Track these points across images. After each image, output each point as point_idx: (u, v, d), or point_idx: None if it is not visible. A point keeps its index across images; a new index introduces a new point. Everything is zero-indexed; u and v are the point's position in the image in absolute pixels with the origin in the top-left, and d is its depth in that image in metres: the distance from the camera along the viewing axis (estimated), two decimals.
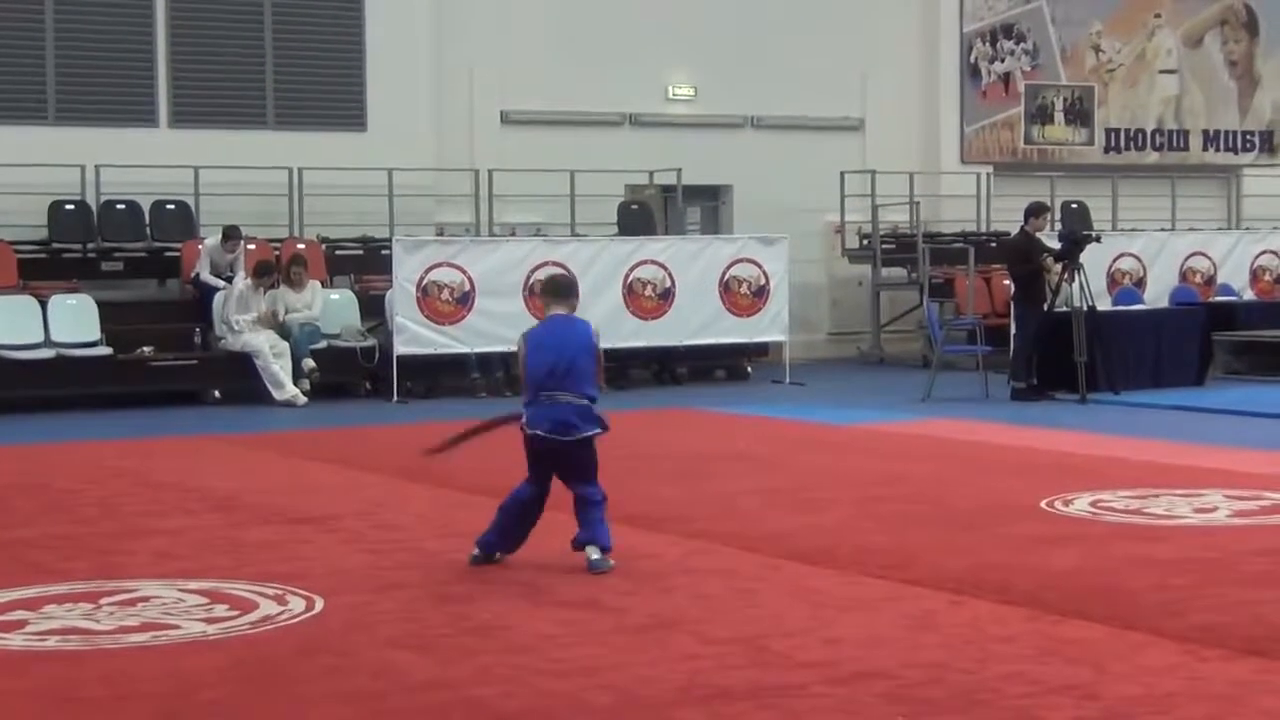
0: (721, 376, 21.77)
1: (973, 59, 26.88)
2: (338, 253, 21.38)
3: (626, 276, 20.05)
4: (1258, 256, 23.80)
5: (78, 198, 20.52)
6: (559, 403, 8.74)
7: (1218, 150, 28.87)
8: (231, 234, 19.70)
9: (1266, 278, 23.76)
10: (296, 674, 6.68)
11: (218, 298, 19.39)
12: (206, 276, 19.73)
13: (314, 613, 7.73)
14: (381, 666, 6.74)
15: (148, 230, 20.87)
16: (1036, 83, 27.34)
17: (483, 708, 6.14)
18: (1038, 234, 18.34)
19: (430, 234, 21.19)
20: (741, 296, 20.65)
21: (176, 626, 7.48)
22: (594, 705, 6.14)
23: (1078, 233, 18.83)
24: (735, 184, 25.17)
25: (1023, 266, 18.11)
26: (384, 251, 20.27)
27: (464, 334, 19.07)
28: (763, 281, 20.73)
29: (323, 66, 22.39)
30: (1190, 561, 8.75)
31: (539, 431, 8.75)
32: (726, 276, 20.59)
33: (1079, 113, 27.72)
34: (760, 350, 21.78)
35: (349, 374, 19.70)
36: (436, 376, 19.48)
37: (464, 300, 19.07)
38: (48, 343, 18.61)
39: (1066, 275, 17.77)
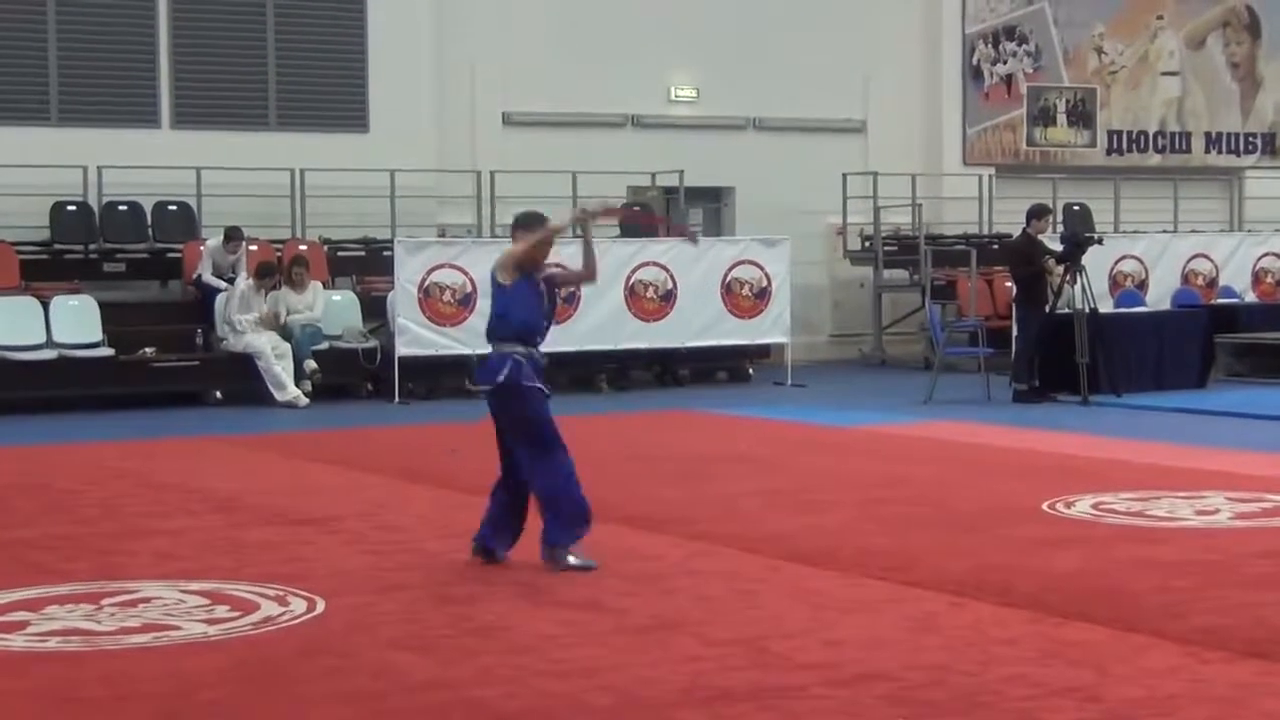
0: (723, 378, 21.76)
1: (975, 60, 26.87)
2: (339, 254, 21.37)
3: (628, 278, 20.05)
4: (1260, 259, 23.79)
5: (80, 199, 20.52)
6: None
7: (1220, 152, 28.85)
8: (233, 235, 19.70)
9: (1268, 280, 23.75)
10: (297, 675, 6.67)
11: (219, 299, 19.39)
12: (208, 278, 19.72)
13: (315, 614, 7.73)
14: (382, 667, 6.73)
15: (150, 231, 20.87)
16: (1039, 84, 27.33)
17: (483, 708, 6.14)
18: (1040, 236, 18.33)
19: (432, 235, 21.19)
20: (743, 298, 20.65)
21: (178, 627, 7.48)
22: (595, 706, 6.14)
23: (1080, 235, 18.82)
24: (737, 185, 25.15)
25: (1025, 268, 18.10)
26: (386, 253, 20.27)
27: (465, 335, 19.03)
28: (764, 283, 20.73)
29: (324, 68, 22.39)
30: (1192, 564, 8.75)
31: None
32: (728, 278, 20.58)
33: (1081, 114, 27.70)
34: (762, 352, 21.77)
35: (351, 375, 19.70)
36: (438, 378, 19.46)
37: (465, 302, 19.06)
38: (50, 343, 18.61)
39: (1068, 277, 17.76)
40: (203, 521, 10.59)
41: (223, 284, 19.55)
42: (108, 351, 18.75)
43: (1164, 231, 25.18)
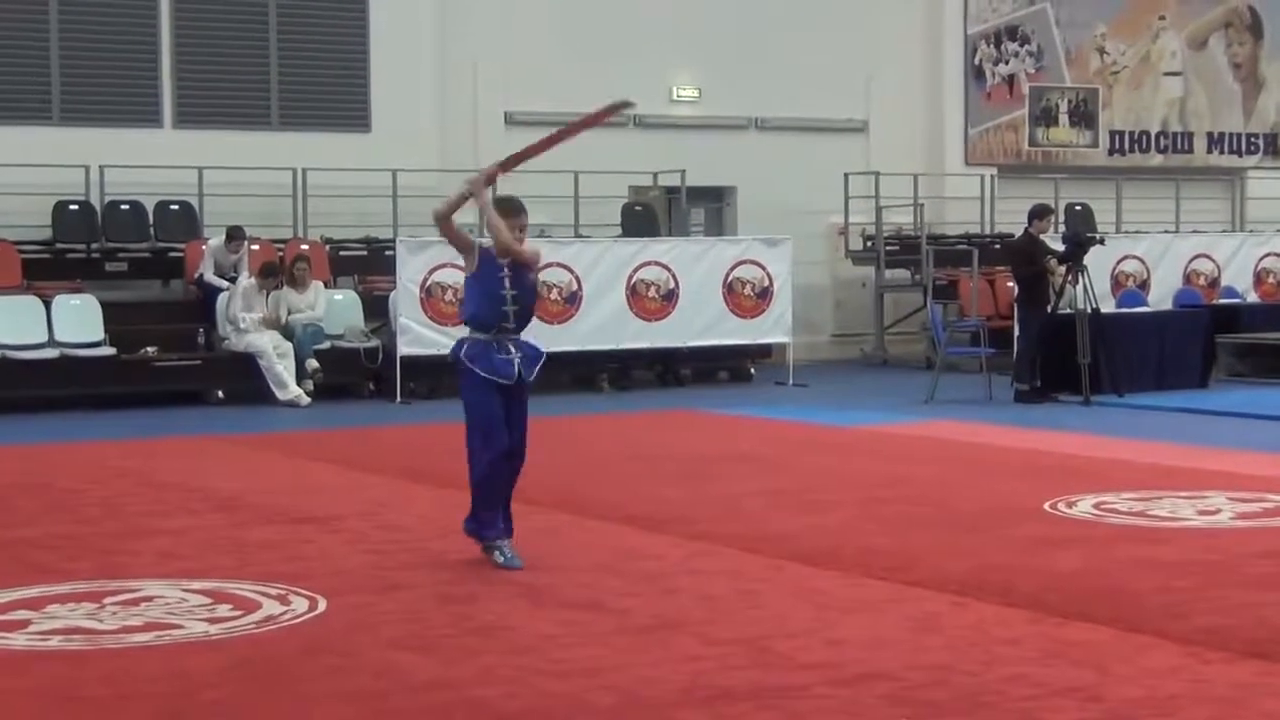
0: (725, 378, 21.77)
1: (977, 61, 26.88)
2: (341, 253, 21.38)
3: (630, 278, 20.05)
4: (1261, 259, 23.81)
5: (82, 198, 20.53)
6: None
7: (1222, 153, 28.86)
8: (235, 234, 19.71)
9: (1270, 280, 23.76)
10: (299, 674, 6.68)
11: (221, 298, 19.40)
12: (210, 277, 19.74)
13: (317, 613, 7.73)
14: (384, 667, 6.73)
15: (151, 230, 20.88)
16: (1041, 85, 27.34)
17: (485, 708, 6.13)
18: (1041, 236, 18.33)
19: (434, 235, 21.14)
20: (745, 298, 20.65)
21: (180, 626, 7.48)
22: (596, 706, 6.13)
23: (1081, 235, 18.82)
24: (739, 185, 25.15)
25: (1026, 268, 18.10)
26: (388, 252, 20.28)
27: None
28: (766, 283, 20.73)
29: (327, 67, 22.41)
30: (1193, 564, 8.75)
31: None
32: (730, 278, 20.59)
33: (1083, 115, 27.71)
34: (764, 352, 21.77)
35: (352, 375, 19.70)
36: (440, 377, 19.41)
37: None
38: (51, 343, 18.62)
39: (1070, 277, 17.77)
40: (204, 521, 10.59)
41: (224, 283, 19.56)
42: (109, 351, 18.76)
43: (1166, 232, 25.20)
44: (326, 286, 20.13)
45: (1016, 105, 27.17)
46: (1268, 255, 23.85)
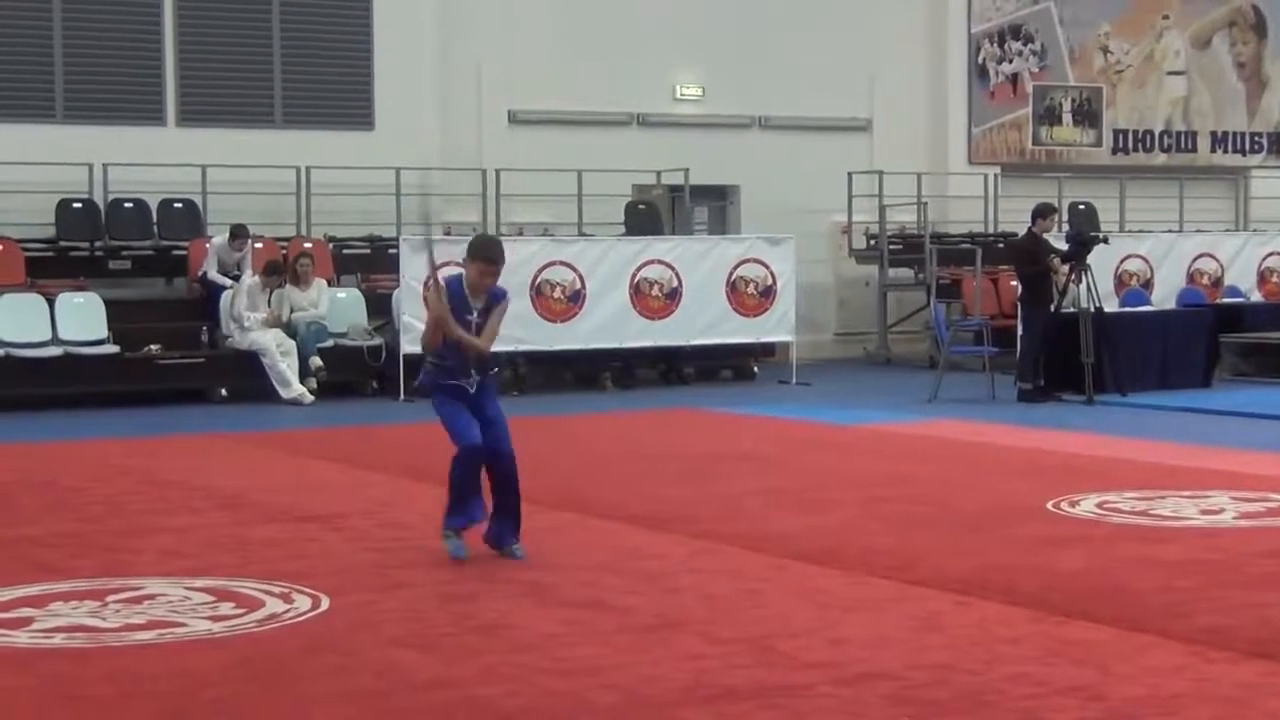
0: (728, 376, 21.78)
1: (980, 60, 26.88)
2: (345, 251, 21.40)
3: (633, 276, 20.05)
4: (1265, 258, 23.81)
5: (85, 196, 20.56)
6: None
7: (1226, 152, 28.85)
8: (239, 233, 19.72)
9: (1274, 279, 23.75)
10: (302, 673, 6.67)
11: (225, 296, 19.41)
12: (214, 275, 19.75)
13: (320, 611, 7.73)
14: (386, 665, 6.73)
15: (155, 229, 20.92)
16: (1044, 83, 27.34)
17: (486, 707, 6.13)
18: (1045, 235, 18.33)
19: (438, 234, 21.18)
20: (748, 296, 20.65)
21: (183, 624, 7.48)
22: (598, 705, 6.13)
23: (1085, 234, 18.82)
24: (742, 184, 25.17)
25: (1030, 267, 18.10)
26: (391, 250, 20.29)
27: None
28: (770, 281, 20.73)
29: (330, 66, 22.42)
30: (1196, 563, 8.74)
31: None
32: (733, 276, 20.58)
33: (1087, 114, 27.71)
34: (767, 350, 21.78)
35: (356, 373, 19.71)
36: None
37: None
38: (55, 341, 18.64)
39: (1074, 276, 17.76)
40: (207, 519, 10.60)
41: (228, 281, 19.57)
42: (113, 349, 18.77)
43: (1169, 231, 25.22)
44: (330, 285, 20.14)
45: (1020, 104, 27.17)
46: (1271, 254, 23.84)
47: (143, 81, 21.48)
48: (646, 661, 6.73)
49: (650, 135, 24.43)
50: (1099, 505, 10.59)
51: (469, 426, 8.92)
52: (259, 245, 20.05)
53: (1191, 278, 23.11)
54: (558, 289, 19.59)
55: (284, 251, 20.24)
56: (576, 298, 19.70)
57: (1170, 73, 28.36)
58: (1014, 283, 20.03)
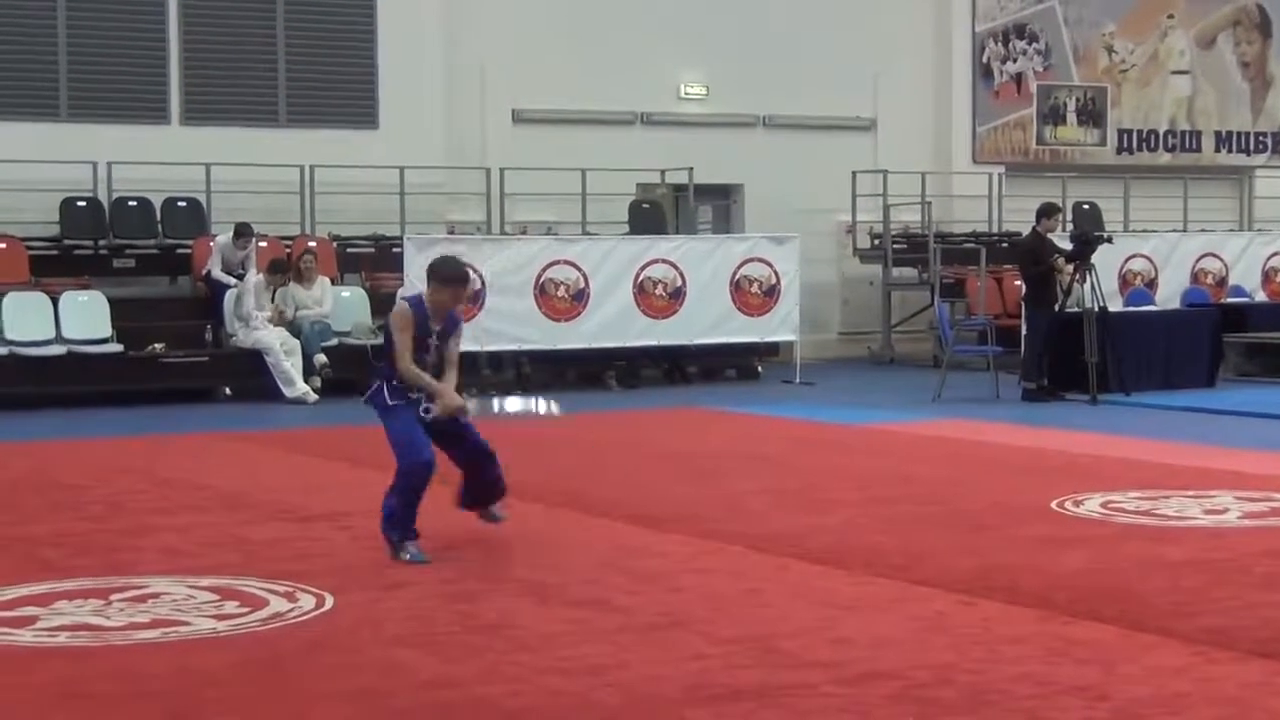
0: (732, 376, 21.77)
1: (985, 59, 26.86)
2: (349, 250, 21.40)
3: (637, 275, 20.04)
4: (1270, 258, 23.78)
5: (89, 194, 20.56)
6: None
7: (1230, 151, 28.83)
8: (243, 231, 19.73)
9: (1278, 279, 23.72)
10: (306, 671, 6.68)
11: (229, 295, 19.41)
12: (218, 274, 19.75)
13: (324, 610, 7.73)
14: (389, 664, 6.74)
15: (159, 227, 20.92)
16: (1049, 83, 27.33)
17: (489, 706, 6.13)
18: (1049, 234, 18.32)
19: (441, 232, 21.21)
20: (752, 296, 20.64)
21: (187, 623, 7.48)
22: (602, 704, 6.13)
23: (1089, 233, 18.81)
24: (747, 183, 25.17)
25: (1034, 267, 18.09)
26: (395, 249, 20.29)
27: (475, 332, 19.02)
28: (774, 281, 20.72)
29: (335, 64, 22.42)
30: (1201, 563, 8.74)
31: None
32: (737, 276, 20.57)
33: (1091, 113, 27.69)
34: (771, 349, 21.77)
35: (360, 371, 19.65)
36: None
37: (474, 299, 19.04)
38: (59, 339, 18.65)
39: (1078, 276, 17.76)
40: (211, 518, 10.60)
41: (232, 280, 19.57)
42: (117, 347, 18.77)
43: (1174, 230, 25.20)
44: (334, 283, 20.14)
45: (1024, 103, 27.15)
46: (1275, 254, 23.81)
47: (147, 80, 21.49)
48: (649, 661, 6.73)
49: (654, 134, 24.42)
50: (1103, 505, 10.59)
51: (424, 442, 8.98)
52: (263, 244, 20.06)
53: (1196, 277, 23.10)
54: (561, 288, 19.59)
55: (288, 250, 20.24)
56: (580, 297, 19.70)
57: (1175, 72, 28.34)
58: (1018, 282, 20.03)
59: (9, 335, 18.42)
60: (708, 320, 20.42)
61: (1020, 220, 22.48)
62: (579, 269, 19.74)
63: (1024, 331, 18.49)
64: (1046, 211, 18.43)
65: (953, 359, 19.26)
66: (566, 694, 6.27)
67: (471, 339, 18.94)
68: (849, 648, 6.93)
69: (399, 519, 8.92)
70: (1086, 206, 26.17)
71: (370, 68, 22.45)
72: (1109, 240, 18.69)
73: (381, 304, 20.35)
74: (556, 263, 19.59)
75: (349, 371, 19.47)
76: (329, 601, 7.87)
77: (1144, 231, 24.69)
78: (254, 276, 19.16)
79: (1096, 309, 17.79)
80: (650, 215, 23.36)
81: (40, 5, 20.92)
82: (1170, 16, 28.17)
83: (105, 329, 18.89)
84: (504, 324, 19.15)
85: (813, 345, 22.69)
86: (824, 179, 24.41)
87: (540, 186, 22.52)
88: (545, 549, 9.23)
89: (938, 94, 26.65)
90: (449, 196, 22.50)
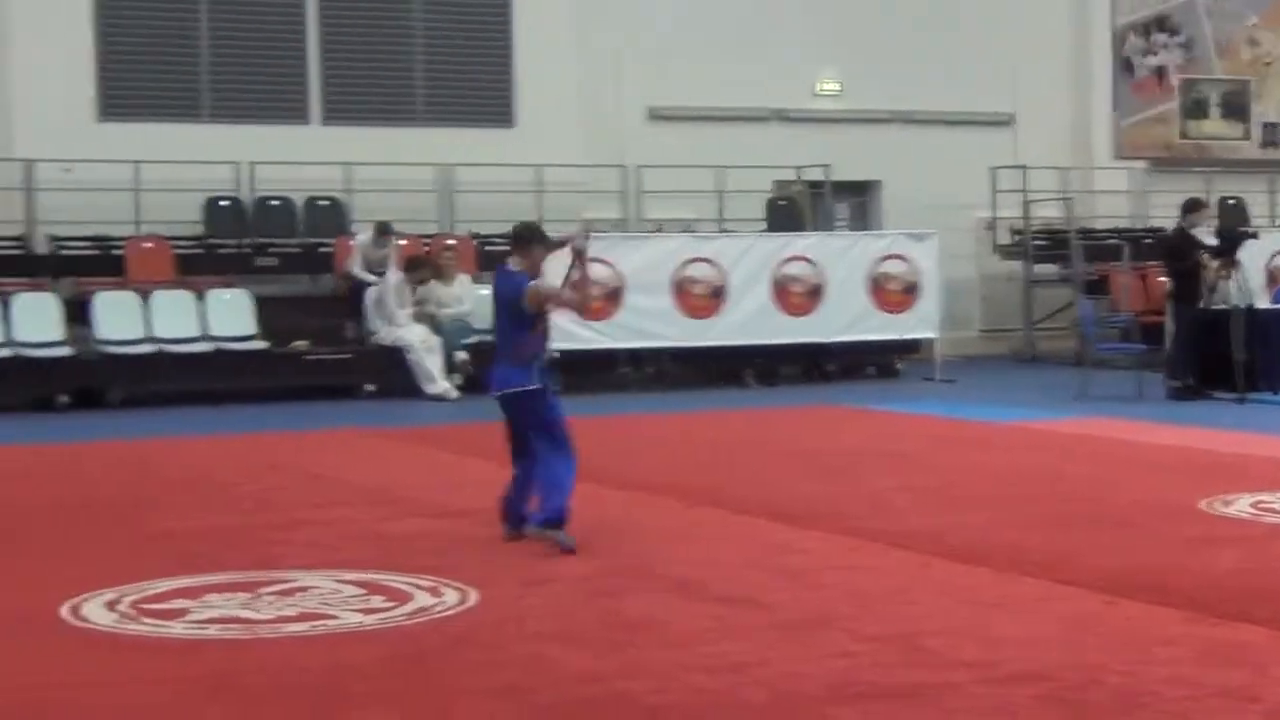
0: (871, 373, 21.65)
1: (1125, 52, 26.52)
2: (488, 248, 21.50)
3: (775, 273, 19.99)
4: None
5: (233, 194, 20.86)
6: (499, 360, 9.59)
7: None
8: (383, 230, 19.90)
9: None
10: (450, 666, 6.73)
11: (369, 292, 19.59)
12: (359, 272, 19.95)
13: (467, 605, 7.78)
14: (533, 660, 6.77)
15: (300, 226, 21.17)
16: (1191, 76, 26.92)
17: (632, 703, 6.14)
18: (1195, 230, 18.05)
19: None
20: (891, 293, 20.51)
21: (334, 617, 7.56)
22: (747, 702, 6.12)
23: (1235, 229, 18.50)
24: (884, 179, 25.03)
25: (1179, 263, 17.84)
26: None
27: (614, 329, 19.13)
28: (913, 278, 20.58)
29: (472, 63, 22.57)
30: None
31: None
32: (876, 273, 20.46)
33: (1235, 107, 27.24)
34: (910, 347, 21.62)
35: None
36: (588, 373, 19.52)
37: (614, 296, 19.11)
38: (205, 336, 18.93)
39: (1224, 272, 17.48)
40: (356, 513, 10.71)
41: (373, 278, 19.75)
42: (261, 344, 19.03)
43: None
44: (474, 281, 20.26)
45: (1166, 97, 26.78)
46: None
47: (288, 81, 21.75)
48: (793, 658, 6.71)
49: (791, 131, 24.35)
50: (1253, 505, 10.41)
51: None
52: (402, 242, 20.23)
53: None
54: (699, 285, 19.59)
55: (426, 248, 20.41)
56: (718, 294, 19.68)
57: None
58: (1162, 279, 19.75)
59: (157, 333, 18.73)
60: (846, 318, 20.32)
61: (1164, 216, 22.18)
62: (717, 266, 19.73)
63: (1169, 328, 18.22)
64: (1191, 207, 18.17)
65: (1095, 356, 19.04)
66: (710, 691, 6.27)
67: (610, 336, 19.10)
68: (996, 647, 6.87)
69: (568, 504, 9.07)
70: (1232, 201, 25.77)
71: (507, 66, 22.57)
72: (1254, 236, 18.38)
73: None
74: (694, 260, 19.59)
75: (489, 368, 19.61)
76: (473, 597, 7.92)
77: None
78: (394, 275, 19.34)
79: (1243, 306, 17.50)
80: (787, 212, 23.31)
81: (183, 10, 21.24)
82: None
83: (250, 326, 19.16)
84: (642, 321, 19.18)
85: (953, 343, 22.51)
86: (962, 175, 24.22)
87: (677, 184, 22.53)
88: (687, 545, 9.23)
89: (1078, 88, 26.35)
90: (586, 194, 22.56)
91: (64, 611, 7.68)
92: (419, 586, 8.16)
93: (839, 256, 20.40)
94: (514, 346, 9.38)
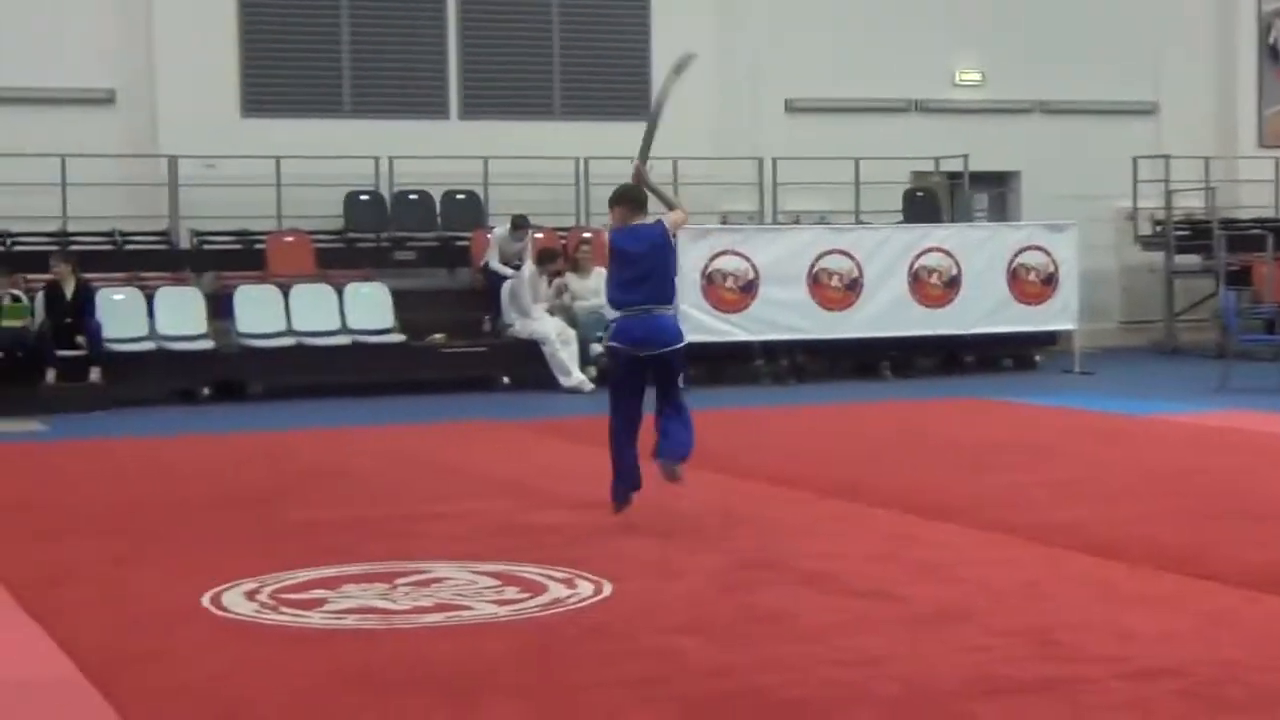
0: (1009, 365, 21.45)
1: (1271, 39, 26.07)
2: None
3: (912, 264, 19.88)
4: None
5: (372, 188, 21.08)
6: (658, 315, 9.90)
7: None
8: (520, 223, 20.01)
9: None
10: (584, 658, 6.76)
11: (506, 286, 19.71)
12: (496, 265, 20.07)
13: (602, 597, 7.82)
14: (666, 652, 6.78)
15: (438, 220, 21.35)
16: None
17: (766, 696, 6.14)
18: None
19: (714, 222, 21.27)
20: (1030, 284, 20.32)
21: (469, 608, 7.63)
22: (880, 696, 6.10)
23: None
24: (1023, 170, 24.79)
25: None
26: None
27: (748, 322, 19.10)
28: (1051, 269, 20.38)
29: (608, 57, 22.63)
30: None
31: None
32: (1014, 264, 20.28)
33: None
34: (1049, 339, 21.41)
35: None
36: (720, 365, 19.52)
37: (748, 288, 19.10)
38: (344, 329, 19.15)
39: None
40: (491, 504, 10.79)
41: (509, 271, 19.86)
42: (399, 337, 19.22)
43: None
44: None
45: None
46: None
47: (427, 76, 21.95)
48: (928, 652, 6.68)
49: (929, 121, 24.20)
50: None
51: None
52: (539, 235, 20.34)
53: None
54: (835, 277, 19.52)
55: (563, 241, 20.50)
56: (854, 286, 19.60)
57: None
58: None
59: (297, 326, 18.98)
60: (984, 309, 20.16)
61: None
62: (852, 258, 19.65)
63: None
64: None
65: (1237, 348, 18.75)
66: (844, 684, 6.26)
67: (744, 329, 19.08)
68: (1132, 642, 6.79)
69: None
70: None
71: (644, 59, 22.60)
72: None
73: None
74: (830, 252, 19.52)
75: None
76: (607, 588, 7.96)
77: None
78: (529, 268, 19.45)
79: None
80: (924, 204, 23.15)
81: (325, 7, 21.50)
82: None
83: (388, 319, 19.36)
84: (777, 313, 19.14)
85: (1092, 334, 22.25)
86: (1102, 165, 23.93)
87: (813, 175, 22.45)
88: (823, 538, 9.22)
89: (1221, 76, 25.95)
90: (721, 187, 22.54)
91: (205, 601, 7.81)
92: (553, 578, 8.21)
93: (977, 248, 20.24)
94: (673, 295, 9.69)
